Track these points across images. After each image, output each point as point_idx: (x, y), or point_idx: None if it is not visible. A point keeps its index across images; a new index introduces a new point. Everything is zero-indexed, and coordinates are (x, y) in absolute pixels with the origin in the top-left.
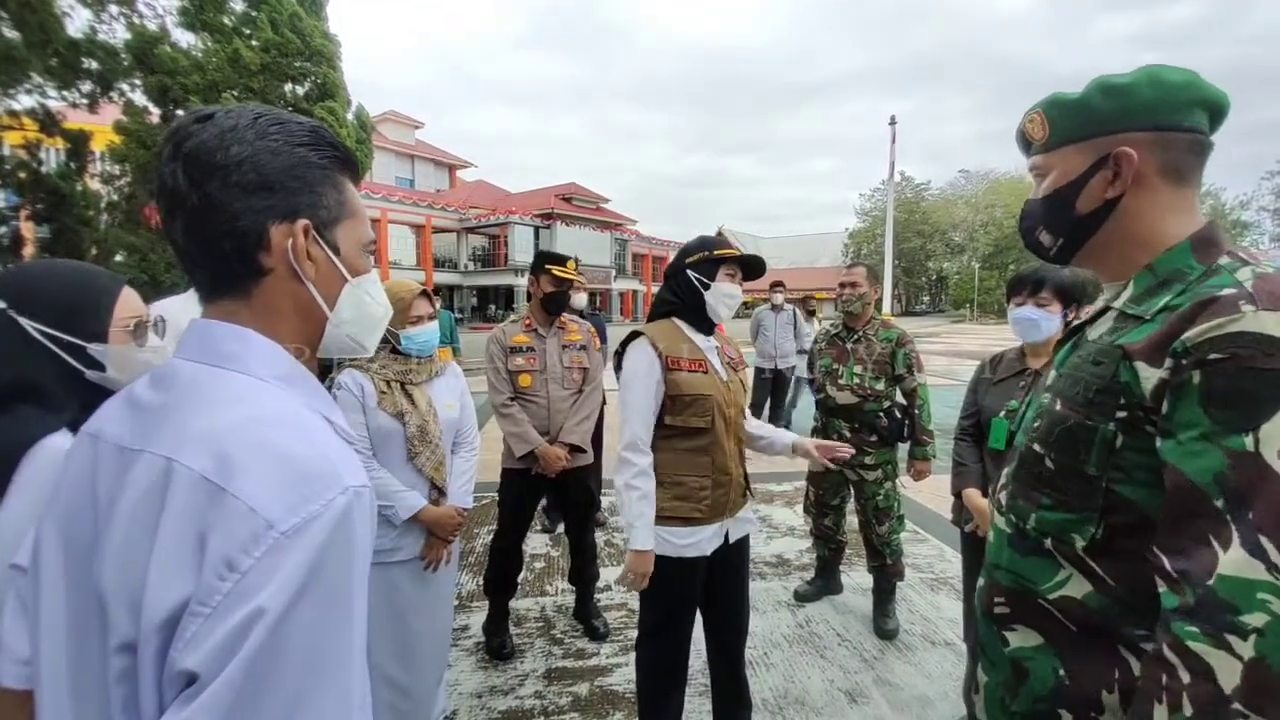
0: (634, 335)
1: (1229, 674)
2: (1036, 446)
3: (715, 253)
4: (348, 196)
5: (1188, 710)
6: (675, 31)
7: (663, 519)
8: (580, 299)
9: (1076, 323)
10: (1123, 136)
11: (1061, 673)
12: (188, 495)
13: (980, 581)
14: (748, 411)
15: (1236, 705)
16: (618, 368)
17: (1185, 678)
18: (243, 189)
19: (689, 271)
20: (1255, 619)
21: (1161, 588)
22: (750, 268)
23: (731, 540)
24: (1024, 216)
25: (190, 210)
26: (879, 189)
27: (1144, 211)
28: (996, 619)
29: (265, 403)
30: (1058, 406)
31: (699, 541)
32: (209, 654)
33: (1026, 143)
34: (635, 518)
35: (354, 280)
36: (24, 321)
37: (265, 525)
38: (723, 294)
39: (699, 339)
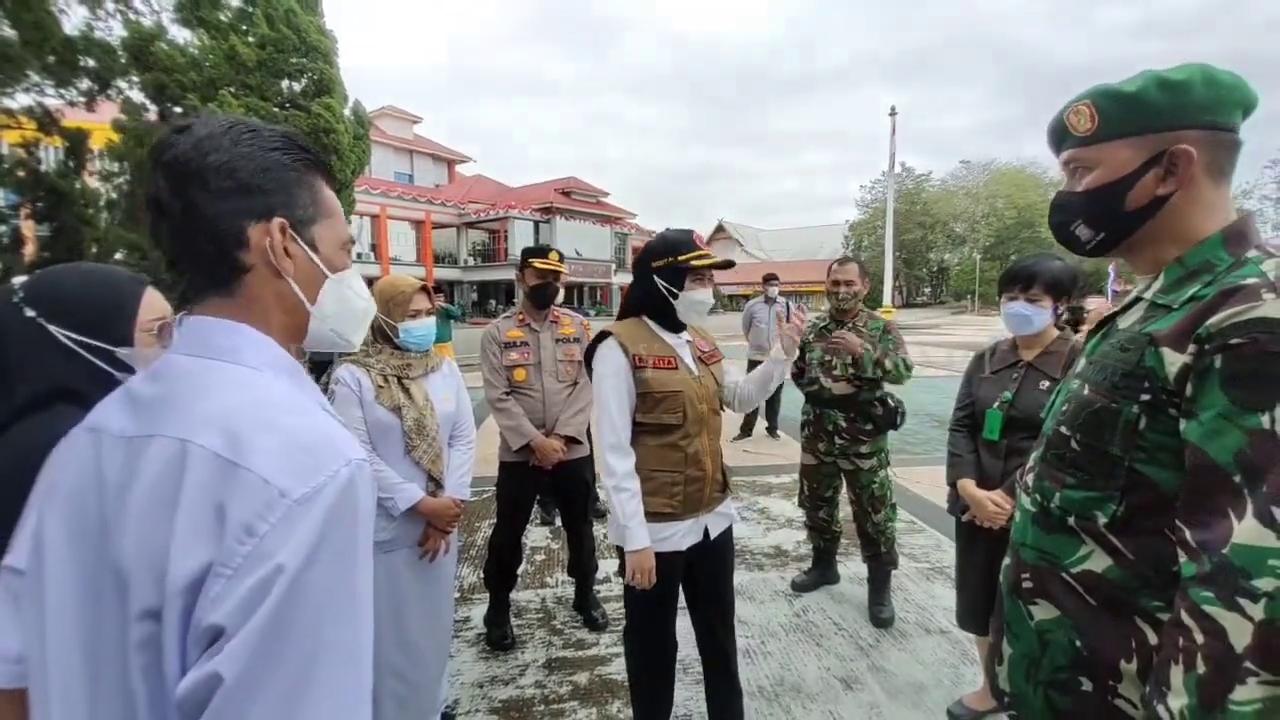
0: (603, 335)
1: (1240, 634)
2: (1063, 429)
3: (680, 259)
4: (322, 197)
5: (1201, 669)
6: (674, 24)
7: None
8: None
9: (1107, 313)
10: (1179, 134)
11: (1078, 644)
12: (204, 471)
13: (1006, 560)
14: (736, 398)
15: (1248, 664)
16: (589, 368)
17: (1200, 639)
18: (220, 193)
19: (656, 278)
20: (1266, 584)
21: (1182, 558)
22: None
23: (712, 536)
24: (1057, 209)
25: (173, 215)
26: (879, 180)
27: (1187, 208)
28: (1022, 594)
29: (263, 388)
30: (1085, 391)
31: (674, 537)
32: (233, 608)
33: (1062, 135)
34: (629, 518)
35: (334, 275)
36: (54, 329)
37: (278, 494)
38: (693, 302)
39: (669, 336)
